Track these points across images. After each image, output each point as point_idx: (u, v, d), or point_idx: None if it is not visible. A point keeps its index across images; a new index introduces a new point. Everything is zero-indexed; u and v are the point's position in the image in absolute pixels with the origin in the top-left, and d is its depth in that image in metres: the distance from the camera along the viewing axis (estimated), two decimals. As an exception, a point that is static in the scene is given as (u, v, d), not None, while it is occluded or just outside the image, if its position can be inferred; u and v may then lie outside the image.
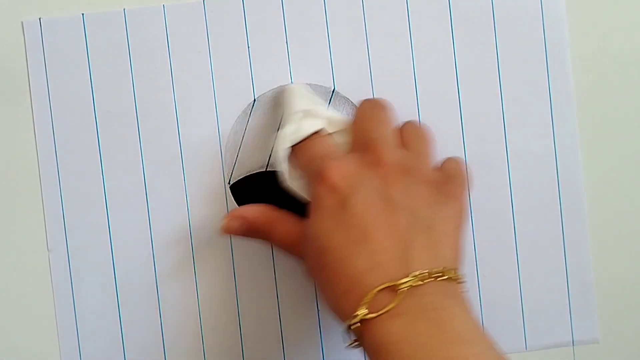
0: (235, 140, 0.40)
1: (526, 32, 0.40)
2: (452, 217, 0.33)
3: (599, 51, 0.40)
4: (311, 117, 0.36)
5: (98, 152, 0.39)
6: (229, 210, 0.39)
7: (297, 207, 0.36)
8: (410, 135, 0.36)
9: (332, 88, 0.39)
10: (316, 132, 0.36)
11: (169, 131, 0.39)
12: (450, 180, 0.35)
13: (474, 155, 0.40)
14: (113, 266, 0.39)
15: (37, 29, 0.39)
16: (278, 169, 0.36)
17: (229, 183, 0.40)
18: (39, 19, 0.39)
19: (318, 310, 0.40)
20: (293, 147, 0.36)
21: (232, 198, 0.39)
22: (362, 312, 0.30)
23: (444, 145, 0.39)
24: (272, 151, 0.38)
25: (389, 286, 0.30)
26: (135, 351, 0.40)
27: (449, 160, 0.37)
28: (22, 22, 0.39)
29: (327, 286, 0.32)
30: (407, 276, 0.30)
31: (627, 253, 0.40)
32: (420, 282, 0.30)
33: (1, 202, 0.39)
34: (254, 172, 0.40)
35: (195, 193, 0.39)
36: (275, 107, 0.39)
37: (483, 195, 0.40)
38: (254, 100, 0.39)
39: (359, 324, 0.30)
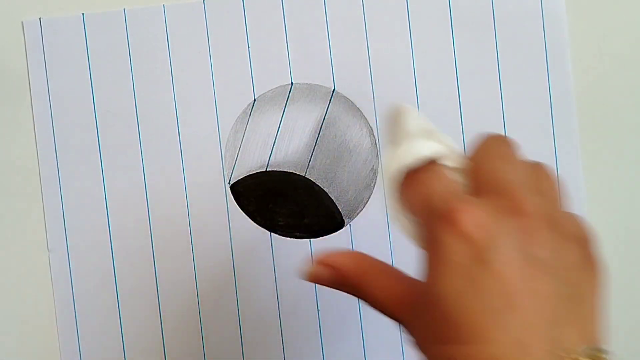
0: (235, 140, 0.40)
1: (526, 32, 0.40)
2: (596, 285, 0.27)
3: (599, 51, 0.40)
4: (431, 139, 0.28)
5: (98, 152, 0.39)
6: (229, 210, 0.39)
7: (297, 208, 0.36)
8: (540, 178, 0.29)
9: (332, 88, 0.39)
10: (433, 162, 0.28)
11: (169, 131, 0.39)
12: (590, 240, 0.28)
13: (474, 155, 0.40)
14: (113, 266, 0.39)
15: (37, 29, 0.39)
16: (387, 200, 0.29)
17: (229, 183, 0.40)
18: (39, 19, 0.39)
19: (318, 310, 0.40)
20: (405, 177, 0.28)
21: (232, 198, 0.39)
22: None
23: (444, 145, 0.40)
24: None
25: None
26: (135, 351, 0.40)
27: (575, 214, 0.30)
28: (22, 22, 0.39)
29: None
30: (556, 357, 0.24)
31: (627, 253, 0.40)
32: None
33: (1, 202, 0.39)
34: (254, 172, 0.40)
35: (195, 193, 0.39)
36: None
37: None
38: (254, 100, 0.39)
39: None
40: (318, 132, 0.40)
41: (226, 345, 0.40)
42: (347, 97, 0.39)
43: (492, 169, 0.28)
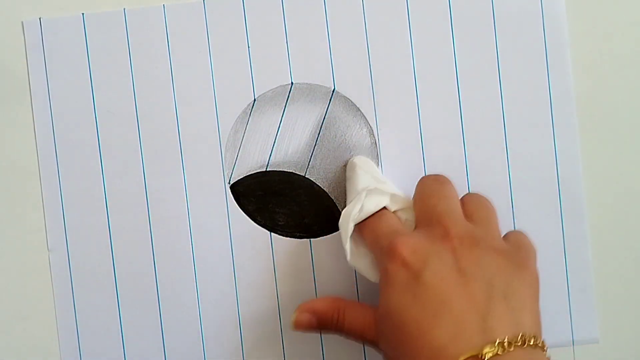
0: (235, 140, 0.40)
1: (526, 32, 0.40)
2: (527, 284, 0.33)
3: (599, 51, 0.40)
4: (375, 194, 0.36)
5: (98, 152, 0.39)
6: (229, 210, 0.39)
7: (297, 208, 0.36)
8: (474, 207, 0.36)
9: (332, 88, 0.39)
10: (380, 210, 0.36)
11: (169, 131, 0.39)
12: (519, 249, 0.34)
13: (474, 155, 0.40)
14: (113, 266, 0.39)
15: (37, 29, 0.39)
16: (344, 247, 0.36)
17: (229, 183, 0.40)
18: (39, 19, 0.39)
19: (318, 310, 0.40)
20: (358, 225, 0.36)
21: (232, 198, 0.39)
22: None
23: (444, 145, 0.40)
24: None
25: (472, 356, 0.29)
26: (135, 351, 0.40)
27: (513, 232, 0.36)
28: (22, 22, 0.39)
29: None
30: (489, 345, 0.29)
31: (627, 253, 0.40)
32: (504, 350, 0.29)
33: (1, 202, 0.39)
34: (254, 172, 0.40)
35: (195, 193, 0.39)
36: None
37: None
38: (254, 100, 0.39)
39: None
40: (318, 132, 0.40)
41: (226, 345, 0.40)
42: (347, 97, 0.40)
43: (427, 204, 0.35)
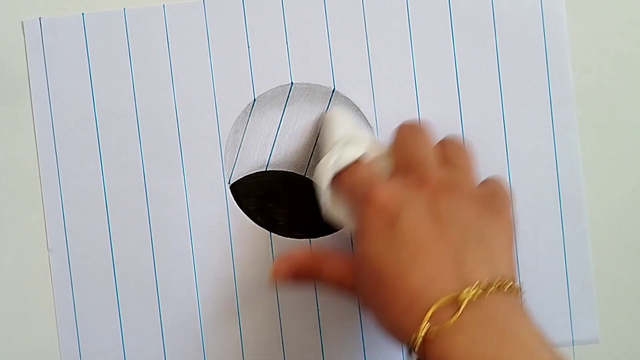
0: (235, 140, 0.40)
1: (526, 32, 0.40)
2: (502, 230, 0.33)
3: (599, 51, 0.40)
4: (351, 144, 0.36)
5: (98, 152, 0.39)
6: (229, 210, 0.39)
7: (297, 208, 0.36)
8: (452, 152, 0.36)
9: (332, 88, 0.39)
10: (357, 159, 0.36)
11: (169, 131, 0.39)
12: (495, 196, 0.34)
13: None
14: (113, 266, 0.39)
15: (37, 29, 0.39)
16: (320, 200, 0.36)
17: (229, 183, 0.40)
18: (39, 19, 0.39)
19: (318, 310, 0.40)
20: (336, 176, 0.36)
21: (232, 198, 0.39)
22: (424, 327, 0.29)
23: (444, 145, 0.40)
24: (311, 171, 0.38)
25: (450, 299, 0.29)
26: (135, 351, 0.40)
27: (490, 179, 0.36)
28: (22, 22, 0.39)
29: (385, 308, 0.31)
30: (466, 287, 0.29)
31: (627, 253, 0.40)
32: (482, 292, 0.29)
33: (1, 202, 0.39)
34: (254, 172, 0.40)
35: (195, 193, 0.39)
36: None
37: (483, 195, 0.40)
38: (254, 100, 0.39)
39: (422, 341, 0.29)
40: (318, 132, 0.40)
41: (226, 346, 0.40)
42: (347, 97, 0.40)
43: (404, 151, 0.35)
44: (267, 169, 0.40)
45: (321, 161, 0.36)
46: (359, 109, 0.40)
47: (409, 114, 0.39)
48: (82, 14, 0.39)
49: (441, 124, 0.40)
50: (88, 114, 0.39)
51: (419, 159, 0.34)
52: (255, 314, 0.40)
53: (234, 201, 0.39)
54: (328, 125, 0.38)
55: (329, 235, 0.39)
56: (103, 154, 0.39)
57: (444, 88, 0.40)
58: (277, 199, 0.39)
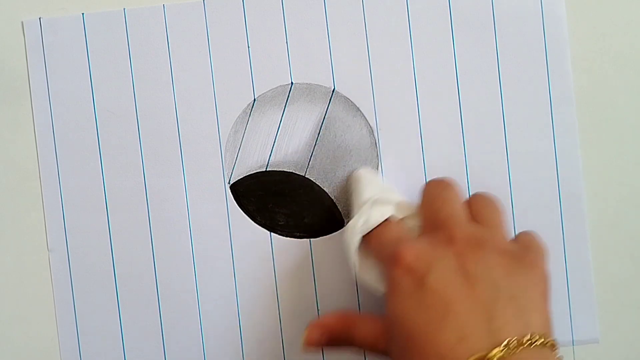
0: (235, 140, 0.40)
1: (526, 32, 0.40)
2: (535, 284, 0.32)
3: (599, 51, 0.40)
4: (379, 204, 0.36)
5: (98, 152, 0.39)
6: (229, 210, 0.39)
7: (297, 208, 0.36)
8: (480, 208, 0.36)
9: (332, 88, 0.39)
10: (386, 220, 0.36)
11: (169, 131, 0.39)
12: (527, 249, 0.34)
13: (474, 155, 0.40)
14: (113, 266, 0.39)
15: (37, 29, 0.39)
16: (349, 262, 0.36)
17: (229, 183, 0.40)
18: (39, 19, 0.39)
19: (318, 310, 0.40)
20: (364, 236, 0.36)
21: (232, 198, 0.39)
22: None
23: (445, 145, 0.40)
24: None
25: (479, 358, 0.29)
26: (135, 351, 0.40)
27: (523, 233, 0.36)
28: (22, 22, 0.39)
29: None
30: (496, 346, 0.29)
31: (627, 253, 0.40)
32: (512, 351, 0.29)
33: (1, 202, 0.39)
34: (254, 172, 0.40)
35: (195, 193, 0.39)
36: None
37: (483, 195, 0.40)
38: (254, 100, 0.39)
39: None
40: (318, 132, 0.40)
41: (226, 345, 0.40)
42: (347, 97, 0.40)
43: (431, 209, 0.35)
44: (267, 169, 0.40)
45: (349, 223, 0.36)
46: (359, 109, 0.40)
47: (409, 114, 0.39)
48: (82, 14, 0.39)
49: (441, 124, 0.40)
50: (88, 114, 0.39)
51: (447, 216, 0.34)
52: (256, 313, 0.40)
53: (234, 201, 0.39)
54: (355, 186, 0.38)
55: (329, 236, 0.39)
56: (103, 154, 0.39)
57: (444, 88, 0.40)
58: (277, 199, 0.39)
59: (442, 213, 0.35)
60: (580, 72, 0.40)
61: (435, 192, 0.36)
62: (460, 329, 0.30)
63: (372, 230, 0.36)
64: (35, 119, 0.39)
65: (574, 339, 0.40)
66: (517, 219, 0.40)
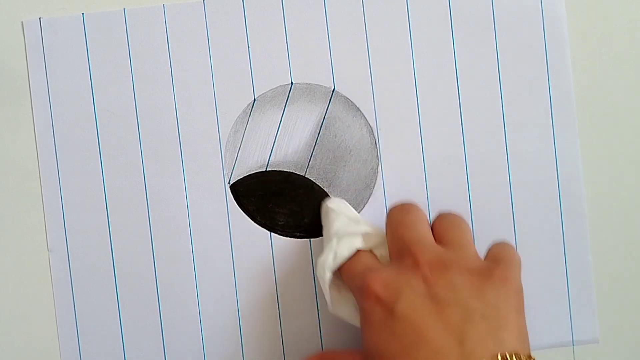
0: (235, 140, 0.40)
1: (526, 32, 0.40)
2: (506, 299, 0.32)
3: (599, 51, 0.40)
4: (347, 237, 0.36)
5: (98, 152, 0.39)
6: (229, 210, 0.39)
7: (297, 208, 0.36)
8: (445, 229, 0.36)
9: (332, 88, 0.39)
10: (356, 251, 0.36)
11: (169, 131, 0.39)
12: (497, 264, 0.33)
13: (474, 155, 0.40)
14: (113, 266, 0.39)
15: (37, 29, 0.39)
16: (326, 296, 0.36)
17: (229, 183, 0.40)
18: (39, 19, 0.39)
19: (318, 310, 0.40)
20: (337, 271, 0.36)
21: (232, 198, 0.39)
22: None
23: (444, 145, 0.40)
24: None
25: None
26: (135, 351, 0.40)
27: (494, 245, 0.36)
28: (22, 22, 0.39)
29: None
30: None
31: (627, 253, 0.40)
32: None
33: (1, 202, 0.39)
34: (254, 172, 0.40)
35: (195, 193, 0.39)
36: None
37: (483, 196, 0.40)
38: (254, 100, 0.39)
39: None
40: (318, 132, 0.40)
41: (226, 345, 0.40)
42: (347, 97, 0.40)
43: (396, 235, 0.35)
44: (267, 169, 0.40)
45: (319, 260, 0.36)
46: (359, 109, 0.40)
47: (409, 114, 0.39)
48: (82, 14, 0.39)
49: (441, 124, 0.40)
50: (88, 114, 0.39)
51: (411, 241, 0.34)
52: (256, 313, 0.40)
53: (234, 201, 0.39)
54: (324, 219, 0.38)
55: (329, 235, 0.39)
56: (103, 154, 0.39)
57: (444, 88, 0.40)
58: (277, 199, 0.39)
59: (406, 237, 0.34)
60: (580, 72, 0.40)
61: (399, 217, 0.36)
62: (434, 356, 0.30)
63: (342, 263, 0.35)
64: (35, 119, 0.39)
65: (574, 339, 0.40)
66: (517, 219, 0.40)
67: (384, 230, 0.37)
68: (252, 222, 0.40)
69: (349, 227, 0.37)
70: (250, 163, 0.40)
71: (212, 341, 0.40)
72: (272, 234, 0.40)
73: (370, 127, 0.40)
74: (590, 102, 0.40)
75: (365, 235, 0.36)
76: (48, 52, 0.39)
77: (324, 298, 0.38)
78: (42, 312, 0.39)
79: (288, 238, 0.40)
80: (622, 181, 0.40)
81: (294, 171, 0.40)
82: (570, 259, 0.40)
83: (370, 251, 0.36)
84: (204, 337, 0.40)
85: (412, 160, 0.40)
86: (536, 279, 0.40)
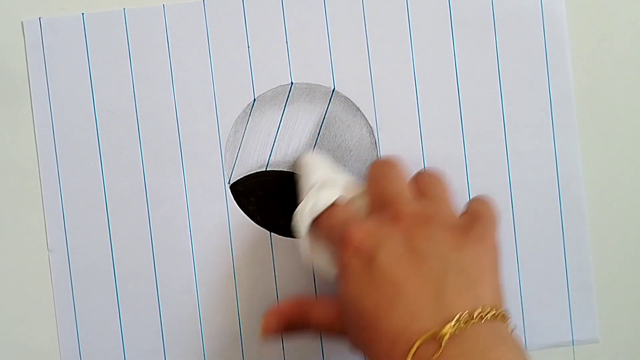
0: (235, 140, 0.40)
1: (526, 32, 0.40)
2: (483, 256, 0.32)
3: (599, 51, 0.40)
4: (327, 187, 0.36)
5: (98, 152, 0.39)
6: (229, 210, 0.39)
7: (296, 207, 0.36)
8: (426, 184, 0.36)
9: (332, 88, 0.39)
10: (334, 202, 0.35)
11: (169, 131, 0.39)
12: (476, 220, 0.34)
13: (474, 155, 0.40)
14: (113, 266, 0.39)
15: (37, 29, 0.39)
16: (301, 246, 0.36)
17: (229, 183, 0.40)
18: (39, 19, 0.39)
19: (318, 310, 0.40)
20: (314, 221, 0.35)
21: (232, 198, 0.39)
22: None
23: (444, 145, 0.40)
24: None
25: (431, 335, 0.29)
26: (135, 351, 0.40)
27: (474, 200, 0.36)
28: (22, 22, 0.39)
29: (370, 349, 0.31)
30: (447, 322, 0.29)
31: (627, 253, 0.40)
32: (463, 327, 0.29)
33: (1, 202, 0.39)
34: (254, 172, 0.40)
35: (195, 193, 0.39)
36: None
37: (483, 195, 0.40)
38: (254, 100, 0.39)
39: None
40: (318, 132, 0.40)
41: (226, 345, 0.40)
42: (347, 97, 0.40)
43: (377, 188, 0.35)
44: (267, 169, 0.40)
45: (297, 209, 0.36)
46: (359, 109, 0.40)
47: (409, 114, 0.39)
48: (82, 14, 0.39)
49: (441, 124, 0.40)
50: (88, 114, 0.39)
51: (393, 194, 0.34)
52: (256, 313, 0.40)
53: (234, 201, 0.39)
54: (303, 171, 0.38)
55: (329, 235, 0.39)
56: (103, 154, 0.39)
57: (444, 88, 0.40)
58: (277, 199, 0.39)
59: (388, 191, 0.35)
60: (580, 72, 0.40)
61: (380, 171, 0.36)
62: (411, 308, 0.30)
63: (320, 213, 0.35)
64: (35, 119, 0.39)
65: (574, 339, 0.40)
66: (517, 219, 0.40)
67: (363, 183, 0.37)
68: (252, 222, 0.40)
69: (329, 176, 0.37)
70: (250, 163, 0.40)
71: (212, 341, 0.40)
72: (272, 234, 0.40)
73: (370, 127, 0.40)
74: (590, 102, 0.40)
75: (345, 186, 0.36)
76: (48, 52, 0.39)
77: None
78: (42, 312, 0.39)
79: (288, 238, 0.40)
80: (622, 181, 0.40)
81: (294, 171, 0.40)
82: (570, 259, 0.40)
83: (349, 202, 0.36)
84: (204, 337, 0.40)
85: (412, 160, 0.40)
86: (536, 279, 0.40)
